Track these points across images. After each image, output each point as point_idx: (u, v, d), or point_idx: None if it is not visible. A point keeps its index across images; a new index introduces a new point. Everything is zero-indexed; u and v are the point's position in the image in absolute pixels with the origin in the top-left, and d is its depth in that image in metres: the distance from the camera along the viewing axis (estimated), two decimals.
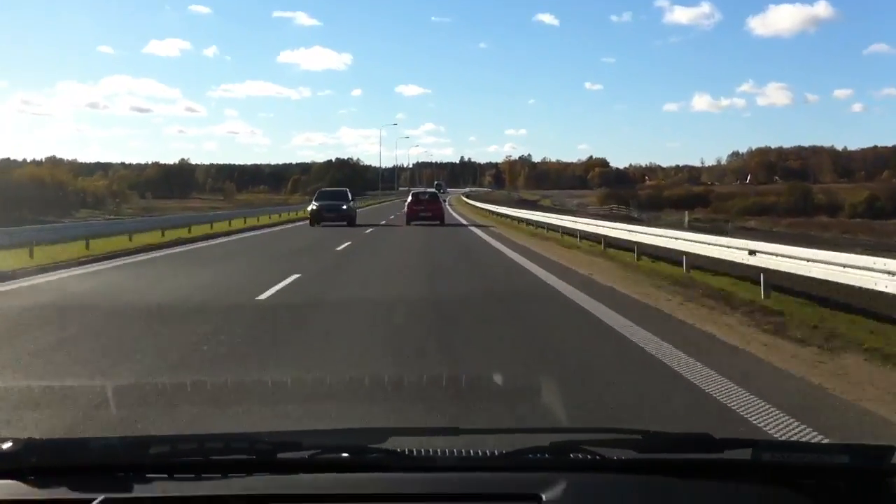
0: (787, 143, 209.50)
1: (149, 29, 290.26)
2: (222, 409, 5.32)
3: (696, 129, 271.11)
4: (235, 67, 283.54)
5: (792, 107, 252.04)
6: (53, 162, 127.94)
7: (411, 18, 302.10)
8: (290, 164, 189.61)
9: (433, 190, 48.79)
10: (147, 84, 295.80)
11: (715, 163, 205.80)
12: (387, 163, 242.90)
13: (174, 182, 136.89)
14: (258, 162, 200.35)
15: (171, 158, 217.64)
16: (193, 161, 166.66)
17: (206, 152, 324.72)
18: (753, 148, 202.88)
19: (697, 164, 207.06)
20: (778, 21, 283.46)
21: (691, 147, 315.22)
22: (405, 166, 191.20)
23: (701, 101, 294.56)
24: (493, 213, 50.99)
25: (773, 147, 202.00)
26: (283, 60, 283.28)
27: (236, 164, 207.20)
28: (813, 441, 4.50)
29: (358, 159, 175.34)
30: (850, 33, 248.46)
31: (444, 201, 47.37)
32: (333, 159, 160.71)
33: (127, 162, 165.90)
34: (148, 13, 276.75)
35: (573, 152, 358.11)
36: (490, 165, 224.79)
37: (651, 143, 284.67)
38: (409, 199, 38.53)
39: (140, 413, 5.19)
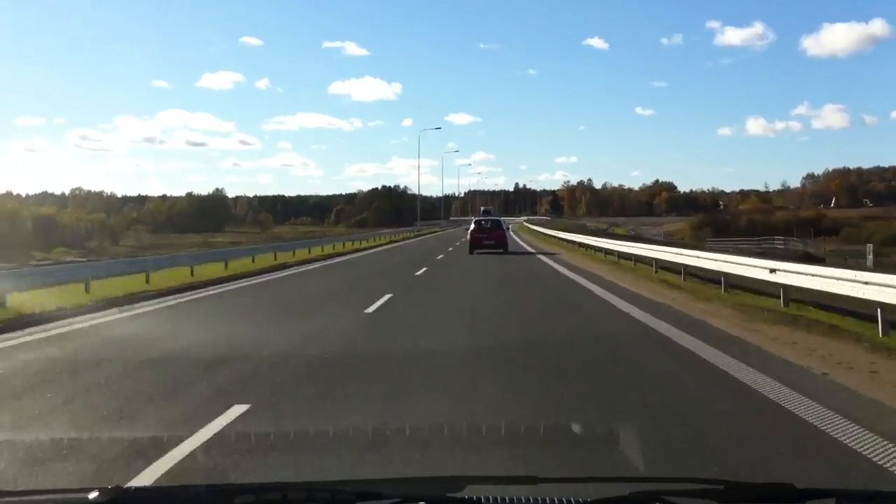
0: (847, 165, 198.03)
1: (202, 62, 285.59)
2: None
3: (750, 153, 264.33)
4: (287, 99, 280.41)
5: (849, 129, 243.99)
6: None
7: (459, 46, 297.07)
8: (341, 195, 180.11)
9: (497, 217, 46.14)
10: (202, 118, 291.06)
11: (780, 187, 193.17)
12: (438, 192, 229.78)
13: (208, 214, 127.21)
14: (311, 193, 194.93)
15: (228, 192, 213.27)
16: (248, 193, 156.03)
17: (260, 185, 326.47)
18: (830, 169, 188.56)
19: (760, 188, 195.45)
20: (833, 40, 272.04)
21: (745, 172, 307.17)
22: (456, 195, 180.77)
23: (755, 125, 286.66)
24: (569, 241, 43.89)
25: (851, 168, 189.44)
26: (334, 91, 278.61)
27: (288, 195, 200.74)
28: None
29: (406, 187, 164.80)
30: None
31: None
32: (380, 187, 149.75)
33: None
34: (200, 46, 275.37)
35: (625, 179, 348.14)
36: (546, 192, 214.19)
37: (705, 169, 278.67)
38: (472, 226, 37.93)
39: None
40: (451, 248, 41.36)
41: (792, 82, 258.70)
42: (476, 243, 35.46)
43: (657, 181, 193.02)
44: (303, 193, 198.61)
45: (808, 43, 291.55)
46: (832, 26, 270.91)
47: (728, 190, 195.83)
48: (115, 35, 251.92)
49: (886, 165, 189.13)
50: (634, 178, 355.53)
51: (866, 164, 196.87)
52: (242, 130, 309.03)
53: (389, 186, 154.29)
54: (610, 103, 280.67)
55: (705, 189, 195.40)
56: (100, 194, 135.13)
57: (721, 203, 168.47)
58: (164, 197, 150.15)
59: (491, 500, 2.02)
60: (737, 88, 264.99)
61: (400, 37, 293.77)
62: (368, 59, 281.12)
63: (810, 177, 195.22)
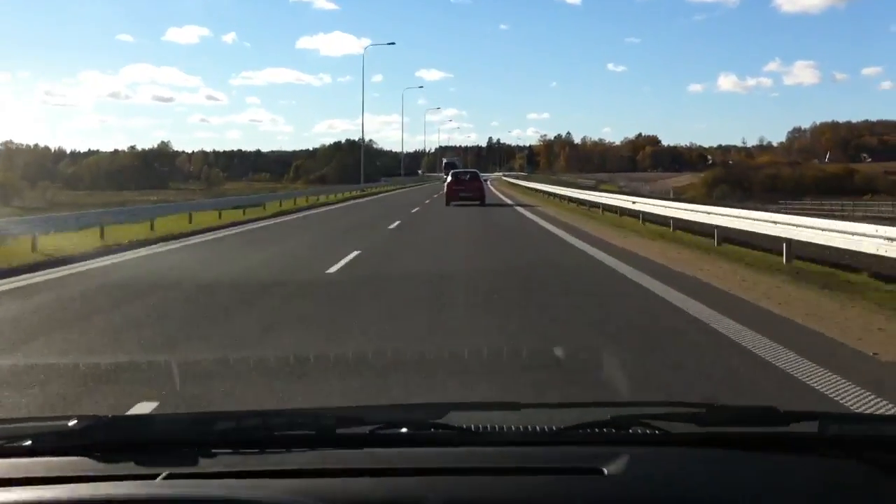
0: (813, 122, 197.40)
1: (167, 16, 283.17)
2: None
3: (723, 109, 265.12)
4: (255, 54, 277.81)
5: (820, 85, 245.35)
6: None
7: (430, 1, 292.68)
8: (308, 151, 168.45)
9: (474, 170, 45.45)
10: (168, 72, 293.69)
11: (758, 142, 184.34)
12: (409, 148, 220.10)
13: (152, 170, 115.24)
14: (281, 149, 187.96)
15: (194, 146, 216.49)
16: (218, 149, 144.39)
17: (229, 141, 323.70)
18: (818, 123, 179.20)
19: (738, 143, 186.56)
20: None
21: (718, 128, 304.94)
22: (428, 151, 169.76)
23: (727, 82, 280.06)
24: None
25: (840, 122, 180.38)
26: (303, 46, 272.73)
27: (247, 150, 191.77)
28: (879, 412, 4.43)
29: (371, 140, 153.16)
30: (880, 7, 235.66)
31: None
32: (343, 141, 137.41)
33: None
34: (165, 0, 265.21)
35: (598, 135, 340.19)
36: (520, 148, 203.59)
37: (678, 125, 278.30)
38: (449, 178, 38.10)
39: None
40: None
41: (763, 39, 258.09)
42: (453, 195, 35.33)
43: (640, 135, 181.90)
44: (274, 149, 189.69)
45: None
46: None
47: (707, 145, 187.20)
48: None
49: (875, 119, 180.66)
50: (606, 134, 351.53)
51: (841, 119, 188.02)
52: (210, 86, 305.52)
53: (353, 140, 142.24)
54: (582, 59, 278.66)
55: (683, 144, 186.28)
56: (32, 147, 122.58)
57: (709, 158, 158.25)
58: (94, 152, 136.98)
59: (473, 428, 1.99)
60: (709, 45, 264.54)
61: None
62: (337, 13, 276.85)
63: (796, 130, 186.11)
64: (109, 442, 1.96)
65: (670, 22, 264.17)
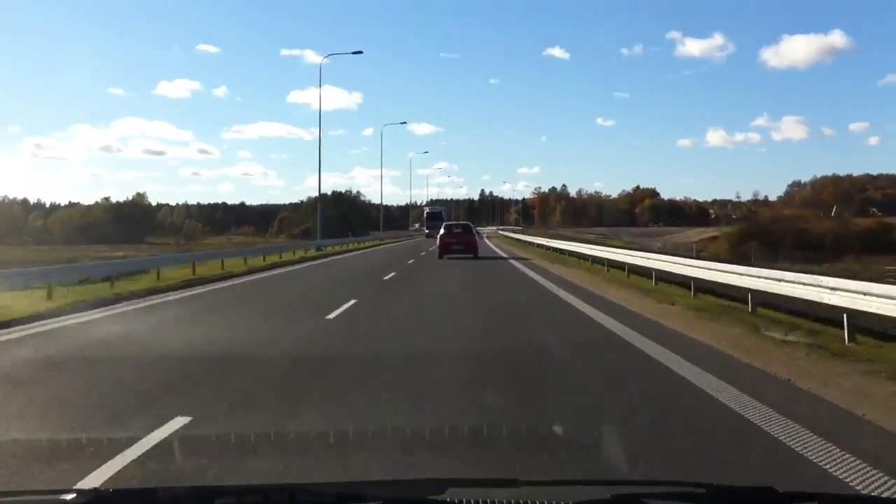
0: (805, 177, 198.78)
1: (158, 70, 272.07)
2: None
3: (711, 164, 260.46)
4: (246, 108, 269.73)
5: (808, 140, 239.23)
6: None
7: (420, 55, 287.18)
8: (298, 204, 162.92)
9: (467, 222, 46.31)
10: (159, 126, 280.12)
11: (752, 196, 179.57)
12: (401, 202, 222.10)
13: (127, 223, 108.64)
14: (272, 203, 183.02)
15: (189, 199, 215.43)
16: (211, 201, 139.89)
17: (221, 194, 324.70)
18: (818, 177, 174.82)
19: (731, 197, 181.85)
20: (792, 52, 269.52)
21: (706, 183, 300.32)
22: (419, 204, 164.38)
23: (715, 136, 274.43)
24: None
25: (841, 175, 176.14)
26: (294, 100, 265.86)
27: (247, 204, 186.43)
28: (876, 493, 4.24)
29: (358, 192, 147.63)
30: (866, 64, 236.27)
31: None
32: (330, 193, 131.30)
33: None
34: (156, 53, 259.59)
35: (590, 189, 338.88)
36: (513, 202, 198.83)
37: (666, 180, 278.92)
38: (442, 231, 37.34)
39: None
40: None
41: (751, 94, 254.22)
42: (446, 248, 34.91)
43: (638, 187, 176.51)
44: (265, 203, 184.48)
45: (768, 54, 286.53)
46: (792, 38, 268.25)
47: (699, 199, 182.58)
48: (68, 42, 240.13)
49: (875, 173, 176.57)
50: (598, 187, 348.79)
51: (830, 173, 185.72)
52: (201, 139, 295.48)
53: (340, 192, 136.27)
54: (572, 113, 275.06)
55: (678, 198, 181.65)
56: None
57: (712, 213, 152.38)
58: (74, 205, 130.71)
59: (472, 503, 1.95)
60: (698, 100, 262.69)
61: (359, 45, 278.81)
62: (327, 67, 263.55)
63: (795, 184, 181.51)
64: None
65: (658, 77, 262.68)
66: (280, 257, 38.45)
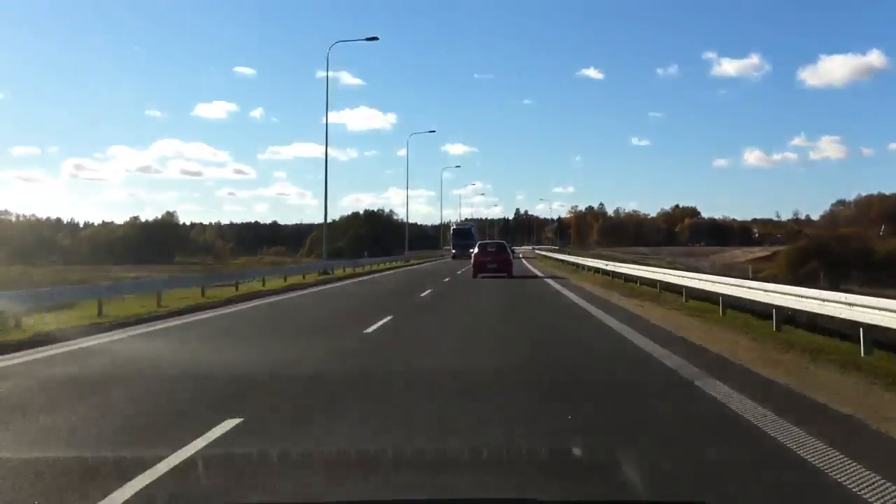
0: (848, 195, 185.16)
1: (195, 92, 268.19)
2: None
3: (747, 183, 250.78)
4: (282, 129, 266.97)
5: (846, 160, 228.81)
6: None
7: (454, 76, 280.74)
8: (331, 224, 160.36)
9: (501, 241, 47.57)
10: (196, 147, 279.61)
11: (792, 216, 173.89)
12: (435, 221, 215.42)
13: (156, 242, 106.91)
14: (307, 222, 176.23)
15: (224, 220, 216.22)
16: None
17: (256, 214, 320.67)
18: (862, 195, 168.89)
19: (770, 216, 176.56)
20: (829, 72, 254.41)
21: (741, 202, 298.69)
22: (450, 223, 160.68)
23: (752, 156, 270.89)
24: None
25: (887, 193, 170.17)
26: (329, 121, 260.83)
27: (279, 223, 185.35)
28: None
29: (391, 211, 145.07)
30: None
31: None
32: (362, 212, 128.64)
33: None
34: (193, 76, 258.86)
35: (625, 209, 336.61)
36: (548, 221, 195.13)
37: (703, 199, 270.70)
38: (476, 250, 37.62)
39: None
40: None
41: (789, 113, 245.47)
42: (479, 267, 35.19)
43: (677, 206, 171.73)
44: (298, 222, 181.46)
45: (805, 74, 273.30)
46: (829, 57, 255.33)
47: (738, 218, 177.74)
48: (106, 65, 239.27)
49: None
50: (633, 207, 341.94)
51: (872, 192, 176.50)
52: (237, 160, 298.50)
53: (373, 211, 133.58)
54: (606, 133, 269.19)
55: (717, 217, 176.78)
56: (27, 218, 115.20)
57: (756, 231, 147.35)
58: (107, 223, 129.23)
59: None
60: (734, 119, 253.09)
61: (395, 66, 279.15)
62: (363, 88, 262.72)
63: (840, 202, 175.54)
64: None
65: (693, 96, 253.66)
66: (285, 280, 34.84)
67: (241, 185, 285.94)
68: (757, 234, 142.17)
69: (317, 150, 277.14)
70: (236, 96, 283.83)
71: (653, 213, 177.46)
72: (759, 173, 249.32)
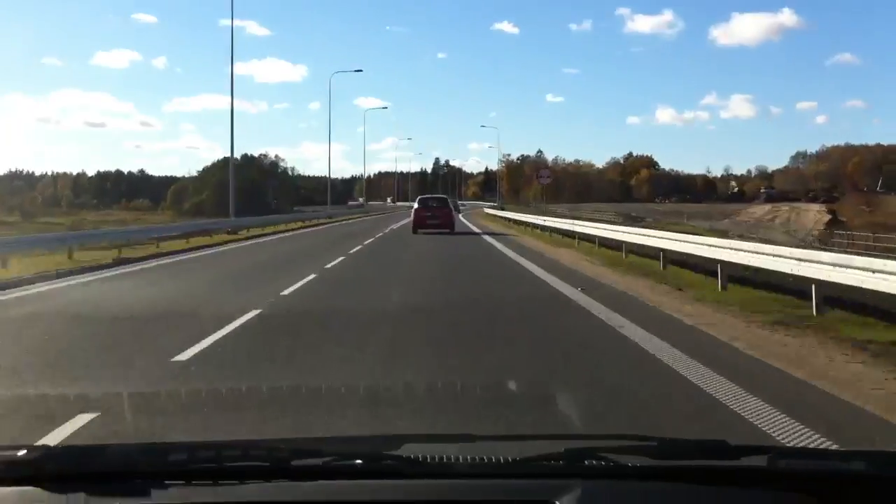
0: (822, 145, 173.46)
1: (94, 39, 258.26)
2: None
3: (663, 140, 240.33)
4: (187, 80, 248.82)
5: (755, 119, 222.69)
6: None
7: (366, 28, 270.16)
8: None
9: (443, 195, 47.85)
10: (99, 98, 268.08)
11: (724, 172, 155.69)
12: (346, 175, 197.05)
13: None
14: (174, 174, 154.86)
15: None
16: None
17: (165, 167, 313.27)
18: (827, 147, 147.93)
19: (717, 173, 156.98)
20: (742, 30, 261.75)
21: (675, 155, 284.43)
22: (365, 177, 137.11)
23: (664, 114, 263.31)
24: None
25: (855, 145, 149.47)
26: (237, 72, 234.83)
27: (126, 171, 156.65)
28: (830, 448, 4.26)
29: (276, 156, 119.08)
30: (815, 43, 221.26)
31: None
32: (239, 157, 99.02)
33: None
34: (90, 22, 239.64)
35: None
36: (471, 175, 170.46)
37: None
38: (416, 204, 36.71)
39: None
40: None
41: (701, 72, 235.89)
42: (420, 222, 34.20)
43: (630, 155, 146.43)
44: (171, 174, 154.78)
45: (717, 32, 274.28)
46: (741, 16, 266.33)
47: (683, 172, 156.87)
48: None
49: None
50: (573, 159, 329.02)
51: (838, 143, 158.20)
52: (143, 111, 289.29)
53: (253, 156, 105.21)
54: (521, 89, 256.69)
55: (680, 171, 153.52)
56: None
57: (734, 184, 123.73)
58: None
59: (428, 459, 1.97)
60: (647, 77, 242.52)
61: (304, 16, 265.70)
62: (271, 38, 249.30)
63: (801, 156, 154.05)
64: (60, 472, 1.92)
65: (608, 53, 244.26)
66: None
67: (148, 137, 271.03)
68: (736, 189, 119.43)
69: (225, 102, 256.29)
70: (138, 44, 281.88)
71: (600, 164, 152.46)
72: (673, 131, 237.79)
